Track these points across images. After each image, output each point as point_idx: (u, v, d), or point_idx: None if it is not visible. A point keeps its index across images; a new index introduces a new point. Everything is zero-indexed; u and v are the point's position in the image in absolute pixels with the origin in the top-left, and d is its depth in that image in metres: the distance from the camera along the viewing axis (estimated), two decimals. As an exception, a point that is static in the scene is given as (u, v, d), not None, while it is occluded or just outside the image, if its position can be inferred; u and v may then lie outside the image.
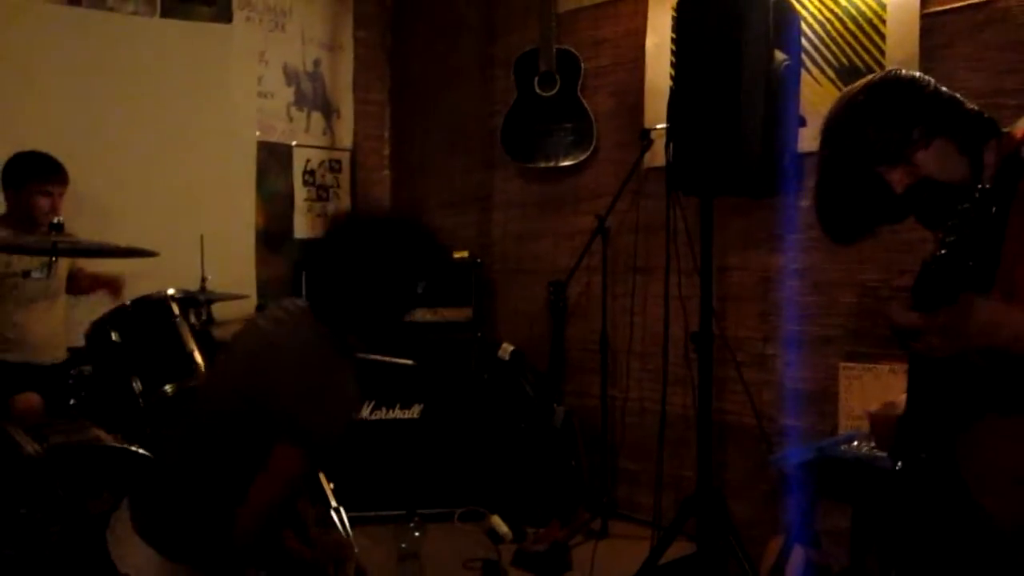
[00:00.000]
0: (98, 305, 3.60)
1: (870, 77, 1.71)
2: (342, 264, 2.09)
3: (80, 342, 3.41)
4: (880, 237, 1.74)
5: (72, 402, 3.15)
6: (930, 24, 3.12)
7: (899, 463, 1.65)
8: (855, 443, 2.67)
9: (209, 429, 2.08)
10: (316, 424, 1.96)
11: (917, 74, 1.69)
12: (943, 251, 1.46)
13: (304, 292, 4.38)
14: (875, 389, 3.19)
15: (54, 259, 3.29)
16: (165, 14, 4.38)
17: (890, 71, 1.73)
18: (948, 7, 3.09)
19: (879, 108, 1.64)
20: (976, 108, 1.63)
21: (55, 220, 3.09)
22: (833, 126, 1.71)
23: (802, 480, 2.65)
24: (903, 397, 1.73)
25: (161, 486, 2.13)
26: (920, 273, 1.53)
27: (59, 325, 3.57)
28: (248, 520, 1.94)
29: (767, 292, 3.61)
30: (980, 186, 1.47)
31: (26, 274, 3.40)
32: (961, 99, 1.64)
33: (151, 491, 2.13)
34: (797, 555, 2.98)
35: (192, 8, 4.50)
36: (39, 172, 3.36)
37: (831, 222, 1.74)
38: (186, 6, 4.47)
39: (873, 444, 2.54)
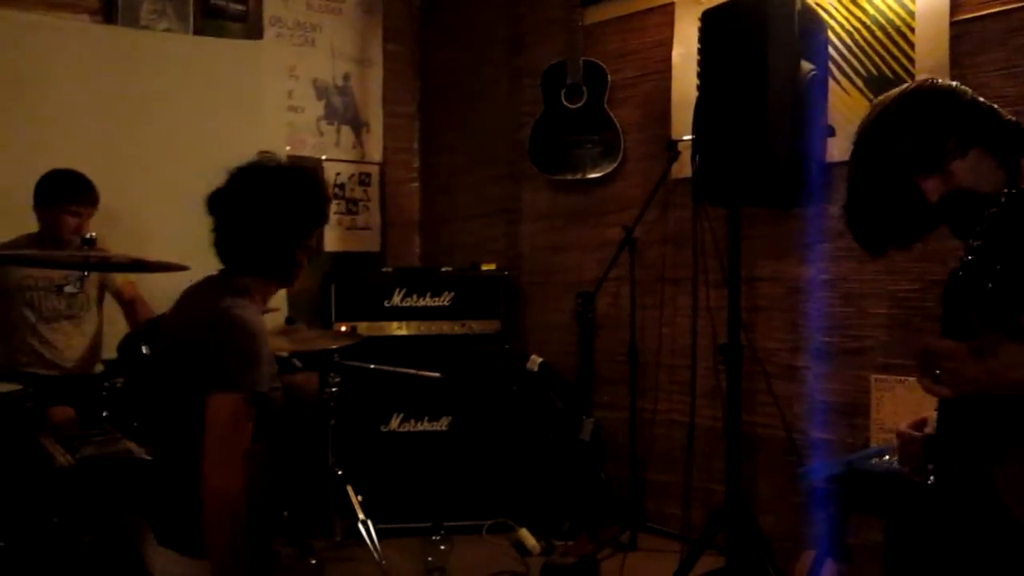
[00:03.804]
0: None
1: (904, 87, 1.69)
2: (225, 205, 2.23)
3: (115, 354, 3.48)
4: (911, 247, 1.72)
5: (105, 414, 3.19)
6: (960, 31, 3.08)
7: (931, 477, 1.62)
8: (887, 457, 2.63)
9: (170, 418, 2.17)
10: (231, 363, 2.01)
11: (954, 84, 1.67)
12: (970, 256, 1.44)
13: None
14: (908, 402, 3.14)
15: (86, 273, 3.35)
16: (197, 31, 4.45)
17: (925, 80, 1.71)
18: (979, 14, 3.05)
19: (913, 117, 1.62)
20: (1013, 119, 1.61)
21: (87, 235, 3.14)
22: (866, 136, 1.69)
23: (832, 494, 2.61)
24: (934, 413, 1.71)
25: (159, 489, 2.19)
26: (949, 280, 1.51)
27: (92, 338, 3.61)
28: (210, 475, 1.95)
29: (796, 303, 3.56)
30: (1006, 191, 1.44)
31: (59, 288, 3.46)
32: (998, 109, 1.62)
33: (153, 497, 2.19)
34: (828, 570, 2.93)
35: (224, 25, 4.57)
36: (68, 192, 3.40)
37: (864, 233, 1.72)
38: (218, 23, 4.54)
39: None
